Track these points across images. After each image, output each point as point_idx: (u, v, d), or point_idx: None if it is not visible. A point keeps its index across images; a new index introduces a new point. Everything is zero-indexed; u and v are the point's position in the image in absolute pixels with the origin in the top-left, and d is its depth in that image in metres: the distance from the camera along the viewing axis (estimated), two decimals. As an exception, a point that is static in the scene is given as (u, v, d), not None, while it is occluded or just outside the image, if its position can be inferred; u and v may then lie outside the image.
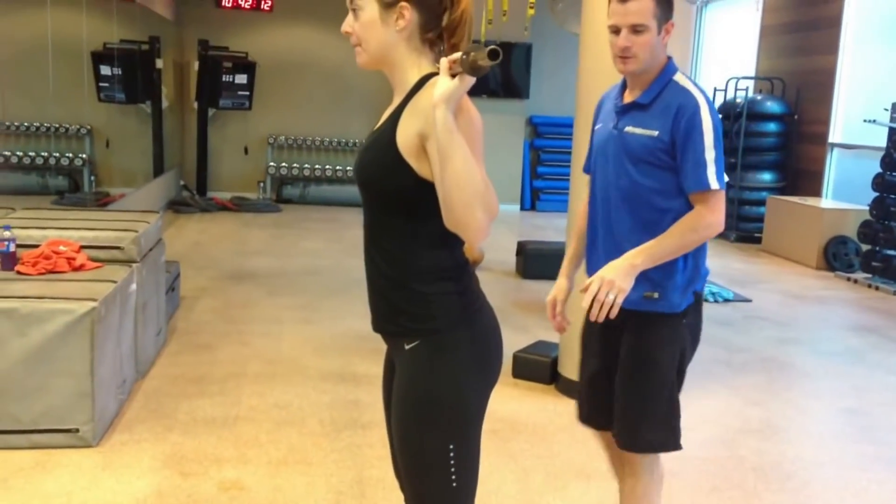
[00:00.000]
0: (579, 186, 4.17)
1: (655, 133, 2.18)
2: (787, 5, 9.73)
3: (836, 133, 8.96)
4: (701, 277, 2.29)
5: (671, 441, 2.39)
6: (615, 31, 2.21)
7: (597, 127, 2.38)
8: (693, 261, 2.25)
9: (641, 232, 2.19)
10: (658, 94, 2.22)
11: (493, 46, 1.41)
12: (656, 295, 2.22)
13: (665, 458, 3.55)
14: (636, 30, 2.17)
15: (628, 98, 2.28)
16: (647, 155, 2.19)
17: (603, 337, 2.34)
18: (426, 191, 1.60)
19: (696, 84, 2.26)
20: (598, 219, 2.31)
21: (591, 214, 2.37)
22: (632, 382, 2.29)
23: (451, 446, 1.67)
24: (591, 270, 2.32)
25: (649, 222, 2.20)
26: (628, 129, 2.23)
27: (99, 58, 8.12)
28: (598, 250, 2.31)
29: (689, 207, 2.19)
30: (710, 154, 2.16)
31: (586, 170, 2.48)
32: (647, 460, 2.37)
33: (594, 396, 2.42)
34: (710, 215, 2.16)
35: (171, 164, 10.41)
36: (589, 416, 2.47)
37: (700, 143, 2.15)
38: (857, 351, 5.35)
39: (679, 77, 2.25)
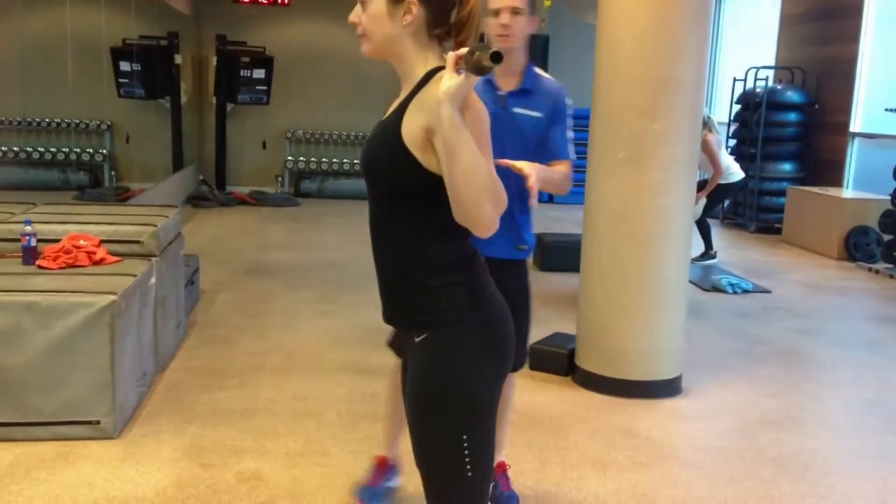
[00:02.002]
0: (596, 177, 4.16)
1: (540, 114, 2.66)
2: (807, -7, 9.63)
3: (857, 122, 8.86)
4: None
5: None
6: (496, 13, 2.56)
7: None
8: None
9: (523, 192, 2.54)
10: (535, 82, 2.69)
11: (495, 49, 1.42)
12: (525, 247, 2.82)
13: (683, 448, 3.56)
14: (515, 11, 2.57)
15: (506, 84, 2.67)
16: (534, 131, 2.66)
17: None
18: (432, 183, 1.61)
19: (548, 76, 2.76)
20: None
21: None
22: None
23: (465, 437, 1.68)
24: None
25: (525, 188, 2.55)
26: (517, 110, 2.64)
27: (118, 54, 8.19)
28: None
29: None
30: (570, 134, 2.79)
31: None
32: None
33: None
34: (567, 174, 2.79)
35: (190, 159, 10.48)
36: None
37: (566, 123, 2.77)
38: (878, 342, 5.30)
39: (538, 70, 2.75)
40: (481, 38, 1.65)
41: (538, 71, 2.77)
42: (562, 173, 2.76)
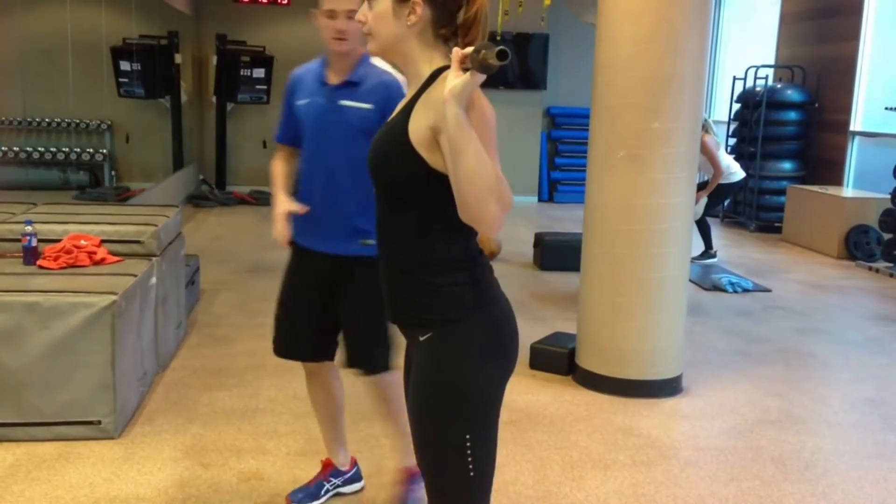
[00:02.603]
0: (597, 176, 4.16)
1: (370, 107, 2.57)
2: (807, -8, 9.62)
3: (857, 121, 8.86)
4: None
5: None
6: (331, 15, 2.53)
7: (301, 102, 2.67)
8: None
9: (360, 187, 2.52)
10: (365, 73, 2.61)
11: (501, 47, 1.41)
12: (371, 242, 2.61)
13: (684, 448, 3.56)
14: (351, 15, 2.50)
15: (335, 78, 2.62)
16: (364, 124, 2.55)
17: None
18: (438, 182, 1.61)
19: (389, 66, 2.66)
20: (317, 181, 2.64)
21: (306, 179, 2.68)
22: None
23: (468, 437, 1.68)
24: (305, 226, 2.68)
25: (366, 179, 2.60)
26: (344, 102, 2.58)
27: (118, 53, 8.19)
28: (316, 208, 2.64)
29: None
30: None
31: (282, 139, 2.79)
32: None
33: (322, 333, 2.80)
34: None
35: (191, 159, 10.48)
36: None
37: None
38: (878, 340, 5.30)
39: (375, 60, 2.65)
40: (491, 37, 1.64)
41: (375, 63, 2.67)
42: None
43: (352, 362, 2.77)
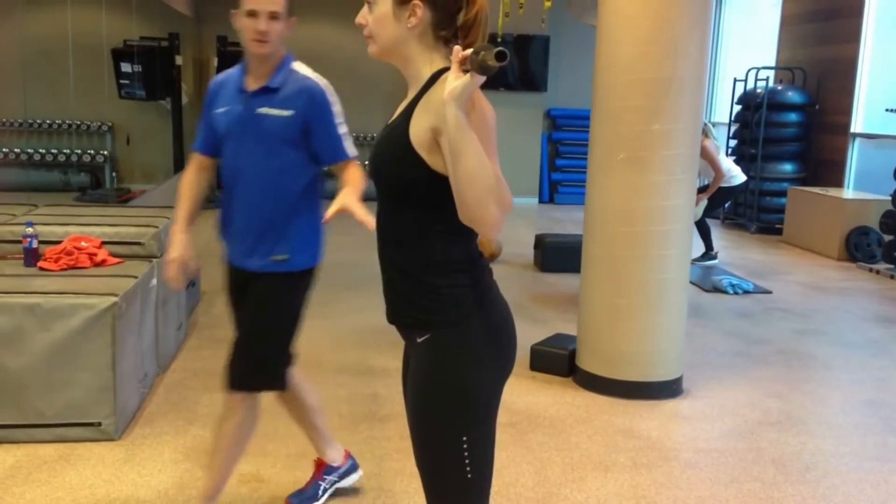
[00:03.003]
0: (597, 178, 4.17)
1: (289, 113, 2.46)
2: (807, -6, 9.63)
3: (858, 123, 8.86)
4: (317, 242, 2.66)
5: None
6: (253, 14, 2.41)
7: (220, 110, 2.54)
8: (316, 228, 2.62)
9: (280, 198, 2.50)
10: (285, 79, 2.49)
11: (500, 48, 1.41)
12: (284, 257, 2.56)
13: (684, 449, 3.56)
14: (273, 16, 2.42)
15: (254, 84, 2.50)
16: (284, 133, 2.46)
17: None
18: (439, 184, 1.61)
19: (312, 71, 2.58)
20: (235, 193, 2.53)
21: (225, 191, 2.57)
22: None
23: (465, 438, 1.68)
24: (228, 240, 2.62)
25: (286, 191, 2.51)
26: (262, 110, 2.46)
27: (119, 55, 8.20)
28: (234, 221, 2.56)
29: (317, 177, 2.58)
30: (342, 129, 2.56)
31: (199, 148, 2.66)
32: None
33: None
34: (363, 174, 2.45)
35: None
36: None
37: (333, 122, 2.53)
38: (879, 342, 5.30)
39: (297, 65, 2.56)
40: (491, 39, 1.64)
41: (297, 67, 2.55)
42: (360, 179, 2.45)
43: (227, 373, 2.61)
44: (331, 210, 2.04)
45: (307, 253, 2.61)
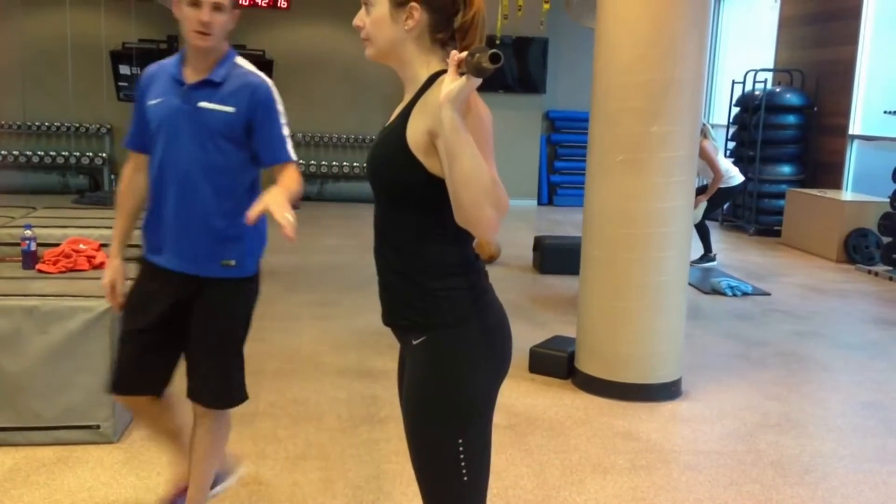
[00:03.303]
0: (596, 180, 4.17)
1: (232, 110, 2.33)
2: (805, -4, 9.64)
3: (856, 125, 8.87)
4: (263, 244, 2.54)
5: None
6: (195, 4, 2.28)
7: (153, 102, 2.39)
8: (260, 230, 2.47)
9: (221, 199, 2.37)
10: (228, 73, 2.36)
11: (494, 50, 1.42)
12: (233, 263, 2.41)
13: (683, 452, 3.56)
14: (217, 7, 2.29)
15: (193, 76, 2.35)
16: (226, 129, 2.33)
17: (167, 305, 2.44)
18: (436, 187, 1.61)
19: (255, 67, 2.44)
20: (169, 191, 2.37)
21: (157, 189, 2.40)
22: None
23: (461, 441, 1.68)
24: (156, 242, 2.43)
25: (227, 191, 2.38)
26: (203, 104, 2.33)
27: (118, 57, 8.21)
28: (168, 221, 2.39)
29: (258, 179, 2.45)
30: (285, 131, 2.43)
31: (133, 145, 2.50)
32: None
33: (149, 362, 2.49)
34: (300, 179, 2.39)
35: (190, 163, 10.48)
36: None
37: (277, 122, 2.41)
38: (878, 344, 5.30)
39: (240, 60, 2.42)
40: (490, 41, 1.64)
41: (239, 62, 2.42)
42: (295, 182, 2.35)
43: (192, 393, 2.51)
44: (254, 210, 2.01)
45: (254, 257, 2.49)
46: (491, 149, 1.59)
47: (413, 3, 1.65)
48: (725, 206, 9.48)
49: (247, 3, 10.78)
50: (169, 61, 2.44)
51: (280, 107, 2.42)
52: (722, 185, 7.32)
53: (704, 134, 7.02)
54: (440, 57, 1.70)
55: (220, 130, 2.33)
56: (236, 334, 2.50)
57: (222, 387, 2.51)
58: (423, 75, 1.69)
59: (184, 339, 2.46)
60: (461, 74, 1.51)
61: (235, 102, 2.34)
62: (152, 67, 2.48)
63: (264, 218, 2.35)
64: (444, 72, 1.60)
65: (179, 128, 2.34)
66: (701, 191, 7.15)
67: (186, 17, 2.29)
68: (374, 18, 1.70)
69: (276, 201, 2.03)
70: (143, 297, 2.47)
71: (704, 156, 6.84)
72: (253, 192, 2.42)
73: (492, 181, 1.53)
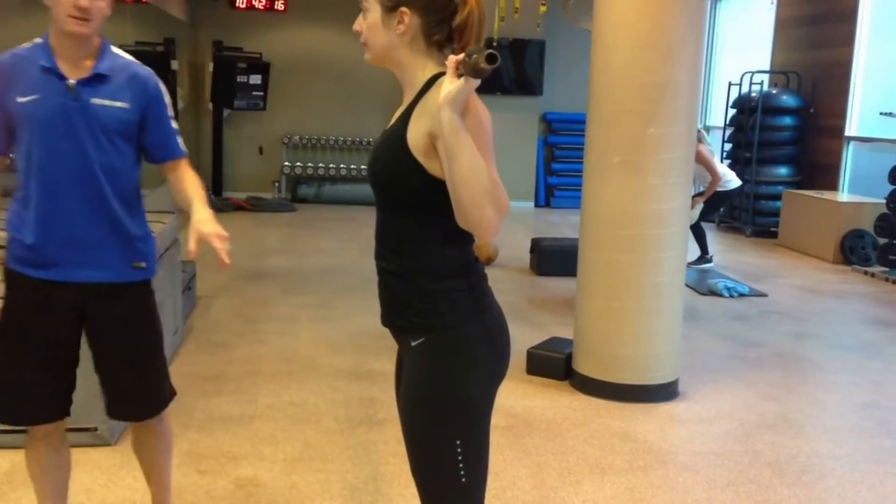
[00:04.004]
0: (592, 182, 4.18)
1: (126, 105, 2.19)
2: (801, -2, 9.67)
3: (852, 126, 8.89)
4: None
5: None
6: None
7: (25, 99, 2.13)
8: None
9: (123, 199, 2.25)
10: (112, 65, 2.20)
11: (490, 51, 1.43)
12: (143, 264, 2.32)
13: (680, 452, 3.56)
14: None
15: (75, 70, 2.15)
16: (121, 126, 2.20)
17: (65, 324, 2.27)
18: (437, 189, 1.62)
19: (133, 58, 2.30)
20: (66, 198, 2.17)
21: (42, 197, 2.17)
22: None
23: (458, 442, 1.69)
24: (46, 256, 2.20)
25: (126, 190, 2.28)
26: (95, 100, 2.15)
27: (114, 60, 8.20)
28: (66, 231, 2.19)
29: (138, 175, 2.32)
30: (174, 125, 2.35)
31: None
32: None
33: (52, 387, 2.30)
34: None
35: (187, 165, 10.48)
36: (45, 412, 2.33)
37: (168, 116, 2.31)
38: (874, 345, 5.32)
39: (117, 49, 2.26)
40: (487, 43, 1.65)
41: (116, 51, 2.25)
42: (198, 185, 2.31)
43: (115, 409, 2.38)
44: (192, 243, 2.06)
45: (155, 257, 2.41)
46: (491, 150, 1.60)
47: (403, 8, 1.66)
48: (721, 209, 9.51)
49: (244, 6, 10.79)
50: (28, 52, 2.18)
51: (168, 98, 2.31)
52: (719, 189, 7.34)
53: (699, 139, 7.04)
54: (437, 60, 1.71)
55: (115, 128, 2.18)
56: (157, 337, 2.39)
57: (149, 396, 2.39)
58: (421, 78, 1.70)
59: (75, 357, 2.29)
60: (459, 76, 1.52)
61: (128, 97, 2.19)
62: (5, 59, 2.18)
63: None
64: (442, 74, 1.61)
65: (69, 128, 2.14)
66: (697, 196, 7.17)
67: (60, 1, 2.07)
68: (369, 23, 1.71)
69: (210, 230, 2.07)
70: (22, 319, 2.24)
71: (701, 159, 6.85)
72: (139, 189, 2.34)
73: (492, 182, 1.54)
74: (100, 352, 2.31)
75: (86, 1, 2.08)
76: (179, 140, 2.36)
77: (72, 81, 2.14)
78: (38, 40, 2.20)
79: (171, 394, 2.47)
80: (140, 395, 2.37)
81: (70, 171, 2.17)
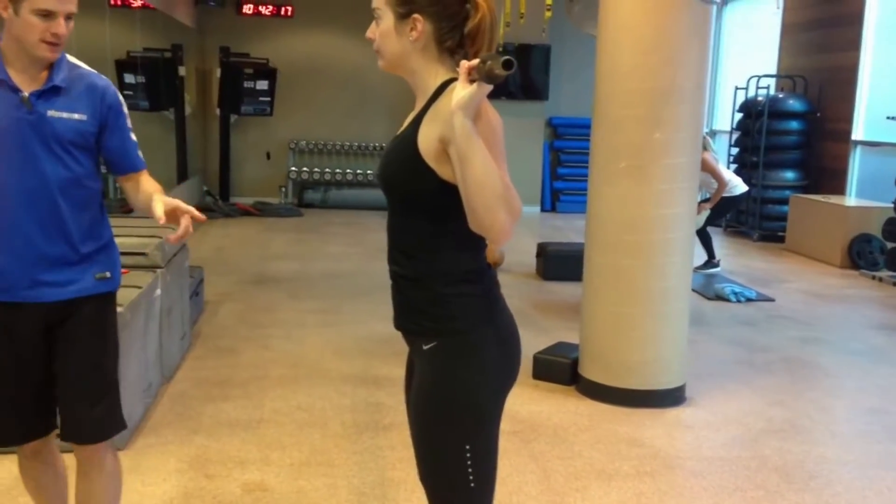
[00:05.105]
0: (598, 187, 4.18)
1: (84, 117, 2.12)
2: (808, 3, 9.65)
3: (859, 130, 8.87)
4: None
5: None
6: (46, 15, 1.99)
7: None
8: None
9: (82, 212, 2.16)
10: (68, 76, 2.12)
11: (507, 57, 1.44)
12: (108, 275, 2.24)
13: (688, 458, 3.56)
14: (69, 17, 2.06)
15: (29, 82, 2.06)
16: (80, 139, 2.12)
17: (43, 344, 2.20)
18: (449, 193, 1.63)
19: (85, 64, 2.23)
20: (18, 216, 2.08)
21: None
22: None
23: (468, 447, 1.69)
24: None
25: (86, 202, 2.18)
26: (52, 113, 2.07)
27: (123, 66, 8.22)
28: (21, 251, 2.10)
29: (101, 186, 2.23)
30: (133, 135, 2.26)
31: None
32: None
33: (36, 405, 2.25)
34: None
35: (195, 171, 10.52)
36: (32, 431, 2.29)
37: (126, 126, 2.23)
38: (882, 350, 5.30)
39: (71, 57, 2.18)
40: (500, 49, 1.65)
41: (73, 61, 2.18)
42: (159, 187, 2.23)
43: (71, 433, 2.26)
44: (160, 209, 2.03)
45: (118, 266, 2.30)
46: (503, 154, 1.61)
47: (416, 15, 1.67)
48: (728, 215, 9.49)
49: (251, 12, 10.83)
50: None
51: (125, 108, 2.24)
52: (725, 195, 7.34)
53: (704, 146, 7.03)
54: (448, 65, 1.72)
55: (72, 140, 2.10)
56: (115, 357, 2.31)
57: (105, 415, 2.26)
58: (433, 84, 1.71)
59: (49, 374, 2.21)
60: (472, 81, 1.53)
61: (85, 108, 2.12)
62: None
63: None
64: (454, 79, 1.62)
65: (23, 142, 2.06)
66: (703, 203, 7.16)
67: (33, 27, 2.00)
68: (382, 31, 1.72)
69: (181, 204, 2.05)
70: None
71: (706, 167, 6.85)
72: (100, 198, 2.25)
73: (504, 186, 1.55)
74: (57, 368, 2.21)
75: (63, 28, 2.03)
76: (139, 153, 2.29)
77: (26, 94, 2.06)
78: None
79: (122, 423, 2.33)
80: (92, 415, 2.23)
81: (24, 187, 2.08)
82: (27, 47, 2.03)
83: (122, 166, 2.25)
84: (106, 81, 2.19)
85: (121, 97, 2.23)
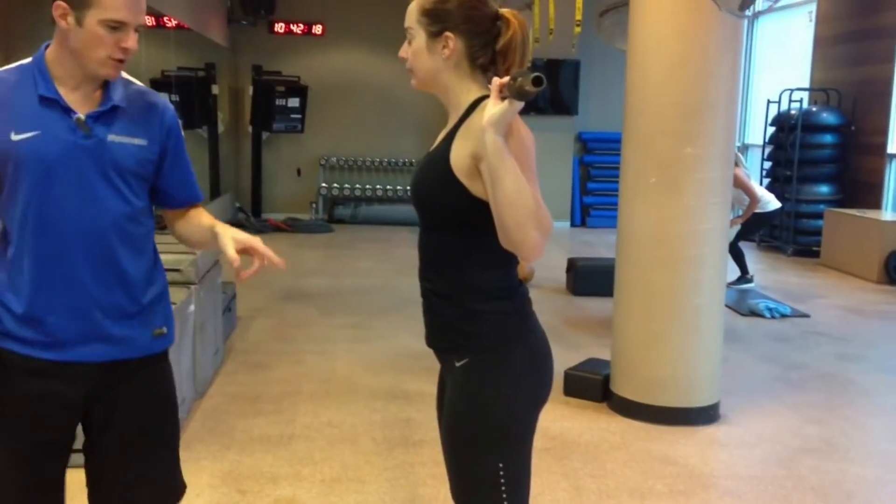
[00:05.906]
0: (629, 202, 4.16)
1: (144, 142, 1.82)
2: (841, 15, 9.56)
3: (895, 143, 8.75)
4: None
5: None
6: (115, 27, 1.70)
7: (21, 137, 1.71)
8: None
9: (140, 253, 1.85)
10: (125, 94, 1.83)
11: (537, 74, 1.44)
12: (165, 330, 1.93)
13: (722, 477, 3.50)
14: (137, 29, 1.77)
15: (83, 101, 1.77)
16: (140, 168, 1.82)
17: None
18: (480, 210, 1.63)
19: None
20: (74, 258, 1.76)
21: (38, 259, 1.76)
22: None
23: (501, 465, 1.69)
24: (51, 332, 1.78)
25: (142, 241, 1.87)
26: (112, 137, 1.77)
27: (158, 85, 8.35)
28: (77, 300, 1.78)
29: (153, 224, 1.92)
30: (189, 163, 1.99)
31: None
32: None
33: None
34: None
35: (227, 187, 10.64)
36: None
37: (185, 151, 1.96)
38: (921, 367, 5.20)
39: (126, 74, 1.88)
40: (532, 65, 1.67)
41: (127, 77, 1.87)
42: (215, 221, 1.94)
43: None
44: (232, 249, 1.78)
45: (173, 319, 1.99)
46: (534, 171, 1.62)
47: (448, 33, 1.69)
48: (761, 231, 9.38)
49: (282, 31, 10.97)
50: (15, 76, 1.78)
51: (182, 132, 1.96)
52: (758, 210, 7.26)
53: (736, 161, 6.97)
54: (480, 83, 1.73)
55: (132, 169, 1.80)
56: (177, 419, 2.05)
57: (167, 491, 2.01)
58: (465, 101, 1.72)
59: (67, 449, 1.90)
60: (503, 98, 1.54)
61: (145, 132, 1.83)
62: None
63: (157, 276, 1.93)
64: (486, 97, 1.63)
65: (80, 172, 1.75)
66: (736, 219, 7.09)
67: (100, 39, 1.70)
68: (414, 49, 1.74)
69: (253, 243, 1.80)
70: (13, 406, 1.81)
71: (738, 183, 6.78)
72: (153, 237, 1.94)
73: (535, 203, 1.55)
74: (107, 442, 1.88)
75: (133, 42, 1.74)
76: (196, 181, 2.00)
77: (82, 116, 1.75)
78: (27, 62, 1.79)
79: (184, 487, 2.06)
80: (153, 492, 1.97)
81: (77, 223, 1.76)
82: (89, 64, 1.73)
83: (179, 199, 1.95)
84: (164, 101, 1.92)
85: (178, 120, 1.96)
